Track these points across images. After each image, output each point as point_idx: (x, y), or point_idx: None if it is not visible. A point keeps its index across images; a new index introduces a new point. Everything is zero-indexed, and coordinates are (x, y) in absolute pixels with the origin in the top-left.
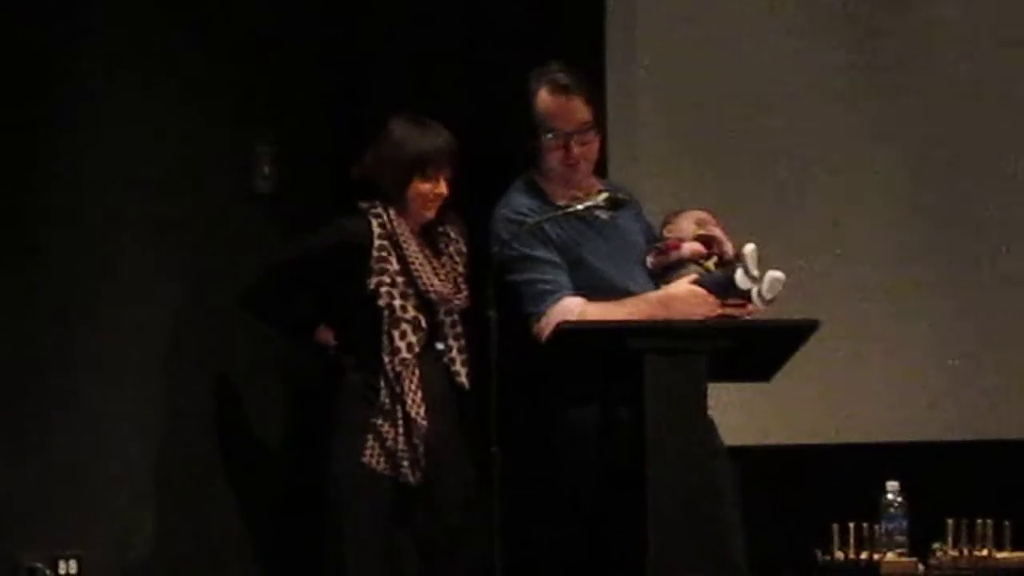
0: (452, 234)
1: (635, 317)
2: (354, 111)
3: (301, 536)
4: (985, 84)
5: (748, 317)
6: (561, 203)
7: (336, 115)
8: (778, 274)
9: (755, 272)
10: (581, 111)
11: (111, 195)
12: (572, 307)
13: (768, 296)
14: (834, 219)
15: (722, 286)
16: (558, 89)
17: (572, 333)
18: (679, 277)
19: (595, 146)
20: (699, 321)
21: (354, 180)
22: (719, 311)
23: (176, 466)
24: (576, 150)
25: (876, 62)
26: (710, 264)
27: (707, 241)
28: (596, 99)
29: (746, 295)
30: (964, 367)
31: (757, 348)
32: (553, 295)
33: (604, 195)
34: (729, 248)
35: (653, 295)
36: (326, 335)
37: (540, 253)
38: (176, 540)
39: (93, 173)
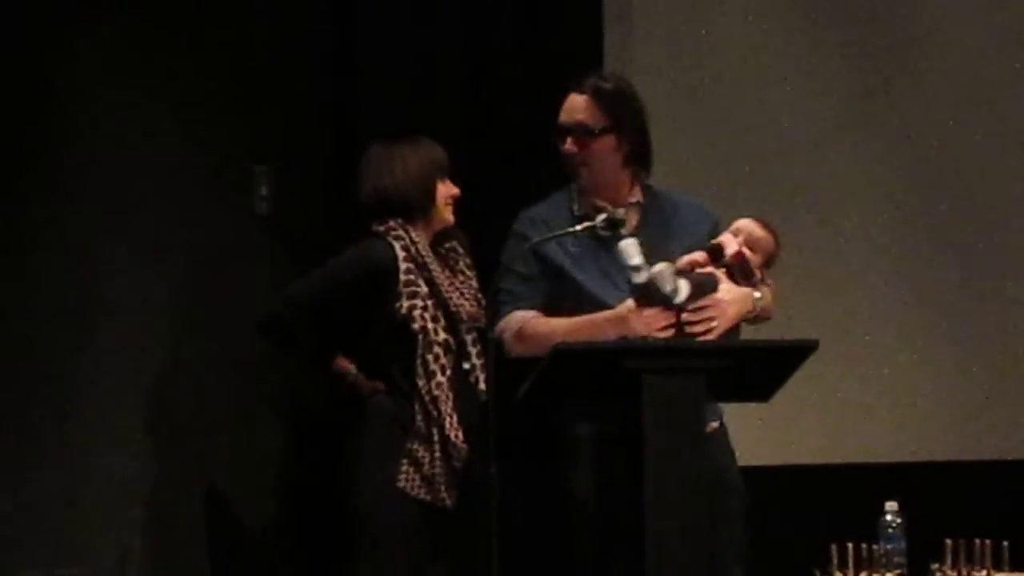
0: (460, 249)
1: (580, 335)
2: (352, 130)
3: (306, 559)
4: (990, 96)
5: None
6: (579, 213)
7: (334, 134)
8: (660, 266)
9: (634, 262)
10: (582, 111)
11: (108, 217)
12: (514, 320)
13: (668, 289)
14: (833, 239)
15: (644, 294)
16: (569, 86)
17: (569, 353)
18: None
19: (595, 152)
20: (698, 340)
21: (366, 204)
22: (665, 324)
23: (175, 486)
24: (568, 147)
25: (878, 72)
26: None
27: (714, 250)
28: (613, 109)
29: (664, 298)
30: (962, 387)
31: (756, 368)
32: (506, 306)
33: (603, 215)
34: (729, 252)
35: (606, 313)
36: (345, 363)
37: (514, 264)
38: (175, 560)
39: (90, 195)
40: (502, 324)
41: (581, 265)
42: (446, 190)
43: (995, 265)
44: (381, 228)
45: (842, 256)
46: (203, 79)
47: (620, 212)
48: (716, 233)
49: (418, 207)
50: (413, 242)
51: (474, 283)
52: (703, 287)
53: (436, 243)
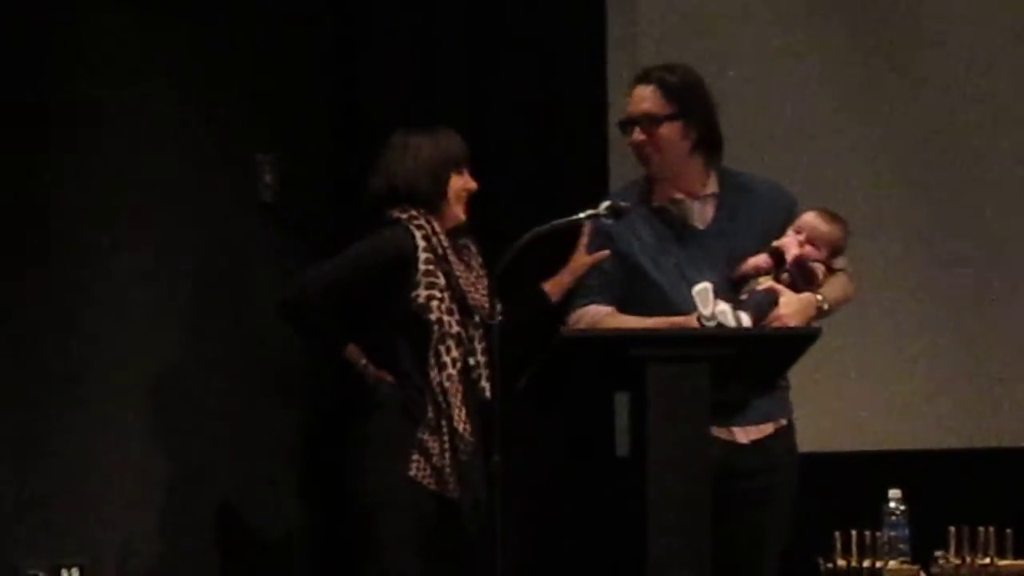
0: (472, 247)
1: None
2: (354, 118)
3: (312, 549)
4: (999, 85)
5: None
6: (656, 204)
7: (336, 122)
8: (722, 306)
9: (706, 312)
10: (648, 100)
11: (113, 206)
12: (589, 315)
13: (732, 326)
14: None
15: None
16: (635, 77)
17: (574, 342)
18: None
19: (662, 140)
20: (701, 329)
21: (375, 194)
22: None
23: (180, 475)
24: (635, 138)
25: (884, 61)
26: (765, 279)
27: (776, 253)
28: (678, 97)
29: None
30: (966, 375)
31: (759, 356)
32: (581, 299)
33: (606, 203)
34: (788, 258)
35: (679, 319)
36: (355, 352)
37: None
38: (179, 550)
39: (94, 184)
40: (575, 316)
41: (656, 262)
42: (462, 183)
43: (999, 254)
44: (403, 216)
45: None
46: (207, 67)
47: (622, 203)
48: (794, 217)
49: (427, 200)
50: (434, 232)
51: (486, 281)
52: (763, 309)
53: (451, 237)
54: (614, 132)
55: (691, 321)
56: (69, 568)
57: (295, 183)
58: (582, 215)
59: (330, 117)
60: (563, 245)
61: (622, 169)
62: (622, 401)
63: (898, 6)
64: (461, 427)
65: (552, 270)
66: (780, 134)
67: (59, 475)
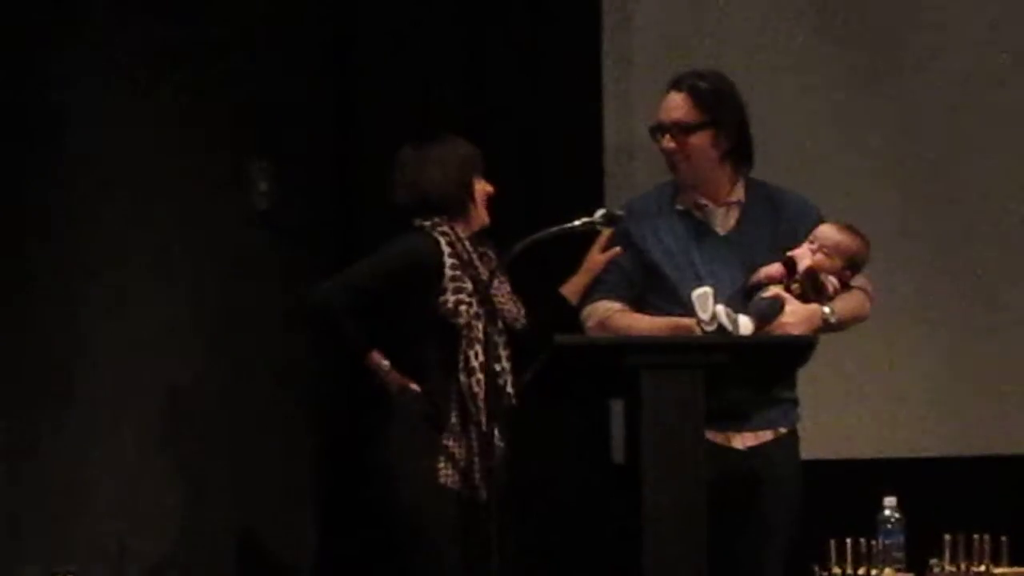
0: (491, 255)
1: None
2: (350, 125)
3: (315, 552)
4: (989, 90)
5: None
6: (680, 207)
7: (332, 129)
8: (719, 308)
9: (704, 316)
10: (679, 108)
11: (108, 214)
12: (600, 310)
13: (730, 328)
14: None
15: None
16: (670, 84)
17: (569, 349)
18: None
19: (692, 148)
20: (695, 336)
21: (403, 206)
22: None
23: (175, 482)
24: (665, 145)
25: (878, 64)
26: (775, 288)
27: (789, 263)
28: (710, 106)
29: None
30: (961, 383)
31: (754, 364)
32: (595, 293)
33: (601, 211)
34: (800, 267)
35: (680, 321)
36: (378, 358)
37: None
38: (174, 557)
39: (90, 192)
40: (587, 311)
41: (673, 262)
42: (482, 187)
43: (994, 260)
44: (427, 223)
45: None
46: (202, 74)
47: (616, 211)
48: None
49: (458, 206)
50: (458, 239)
51: (507, 286)
52: (766, 316)
53: (472, 245)
54: (609, 141)
55: (695, 324)
56: (63, 575)
57: (291, 190)
58: (577, 222)
59: (325, 124)
60: (573, 250)
61: (617, 176)
62: (618, 408)
63: (895, 6)
64: (488, 431)
65: (562, 275)
66: (775, 148)
67: (53, 481)
